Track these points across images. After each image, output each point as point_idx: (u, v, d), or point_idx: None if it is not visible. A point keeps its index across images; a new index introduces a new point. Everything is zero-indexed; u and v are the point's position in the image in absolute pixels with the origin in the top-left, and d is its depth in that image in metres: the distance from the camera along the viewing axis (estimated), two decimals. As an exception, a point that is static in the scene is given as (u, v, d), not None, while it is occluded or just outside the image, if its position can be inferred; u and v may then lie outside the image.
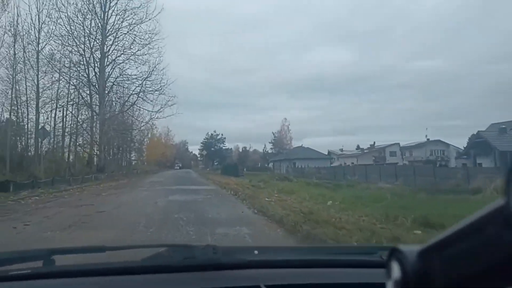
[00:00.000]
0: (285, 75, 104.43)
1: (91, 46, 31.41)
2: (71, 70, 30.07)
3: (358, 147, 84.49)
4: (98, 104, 32.62)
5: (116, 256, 1.68)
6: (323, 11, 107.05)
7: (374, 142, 74.61)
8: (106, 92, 33.69)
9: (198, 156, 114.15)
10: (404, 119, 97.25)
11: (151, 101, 33.37)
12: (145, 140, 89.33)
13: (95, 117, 32.88)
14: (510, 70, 78.93)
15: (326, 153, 72.01)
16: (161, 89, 32.69)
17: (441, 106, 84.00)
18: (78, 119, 32.13)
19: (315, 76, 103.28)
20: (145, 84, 33.10)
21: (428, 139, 66.10)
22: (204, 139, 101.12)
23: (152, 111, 33.78)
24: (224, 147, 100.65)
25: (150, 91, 33.10)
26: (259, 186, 17.86)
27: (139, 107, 35.74)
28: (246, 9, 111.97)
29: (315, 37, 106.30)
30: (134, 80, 33.56)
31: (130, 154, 55.35)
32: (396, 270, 0.61)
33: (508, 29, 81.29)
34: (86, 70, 31.87)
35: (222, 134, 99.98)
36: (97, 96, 32.41)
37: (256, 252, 1.57)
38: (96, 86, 32.41)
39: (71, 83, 29.75)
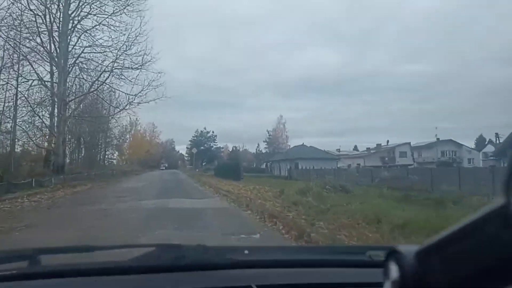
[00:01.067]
0: (275, 75, 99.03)
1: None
2: (17, 32, 21.43)
3: (355, 148, 78.92)
4: (57, 82, 23.90)
5: (105, 256, 1.63)
6: (317, 11, 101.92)
7: (388, 141, 67.59)
8: (69, 66, 24.94)
9: (186, 155, 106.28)
10: (396, 120, 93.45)
11: (130, 80, 24.81)
12: (127, 136, 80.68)
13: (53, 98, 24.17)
14: (503, 73, 74.65)
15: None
16: (143, 65, 24.21)
17: (434, 107, 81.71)
18: (28, 99, 23.32)
19: (306, 76, 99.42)
20: (122, 58, 24.50)
21: (438, 139, 61.04)
22: (193, 136, 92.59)
23: (130, 94, 25.16)
24: (215, 146, 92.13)
25: (129, 68, 24.54)
26: (312, 205, 9.55)
27: (114, 88, 27.09)
28: (239, 8, 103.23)
29: (307, 38, 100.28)
30: (108, 51, 24.85)
31: (106, 151, 46.53)
32: (394, 271, 0.60)
33: (503, 32, 79.08)
34: (41, 36, 23.16)
35: (213, 132, 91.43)
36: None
37: (246, 252, 1.49)
38: (56, 58, 23.69)
39: (12, 46, 20.94)
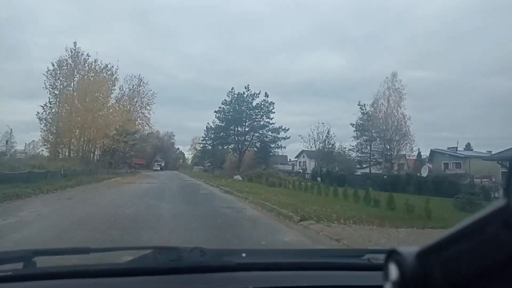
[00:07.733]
0: (278, 78, 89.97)
1: None
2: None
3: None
4: None
5: (101, 258, 1.59)
6: (322, 14, 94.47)
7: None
8: None
9: (199, 147, 64.51)
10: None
11: None
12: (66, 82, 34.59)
13: None
14: (506, 83, 67.67)
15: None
16: None
17: (435, 117, 74.17)
18: None
19: (308, 80, 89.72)
20: None
21: None
22: (222, 103, 47.19)
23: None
24: (272, 126, 45.51)
25: None
26: None
27: None
28: (242, 8, 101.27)
29: (311, 41, 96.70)
30: None
31: None
32: (394, 272, 0.60)
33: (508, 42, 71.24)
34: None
35: (266, 96, 45.47)
36: None
37: (244, 254, 1.48)
38: None
39: None
